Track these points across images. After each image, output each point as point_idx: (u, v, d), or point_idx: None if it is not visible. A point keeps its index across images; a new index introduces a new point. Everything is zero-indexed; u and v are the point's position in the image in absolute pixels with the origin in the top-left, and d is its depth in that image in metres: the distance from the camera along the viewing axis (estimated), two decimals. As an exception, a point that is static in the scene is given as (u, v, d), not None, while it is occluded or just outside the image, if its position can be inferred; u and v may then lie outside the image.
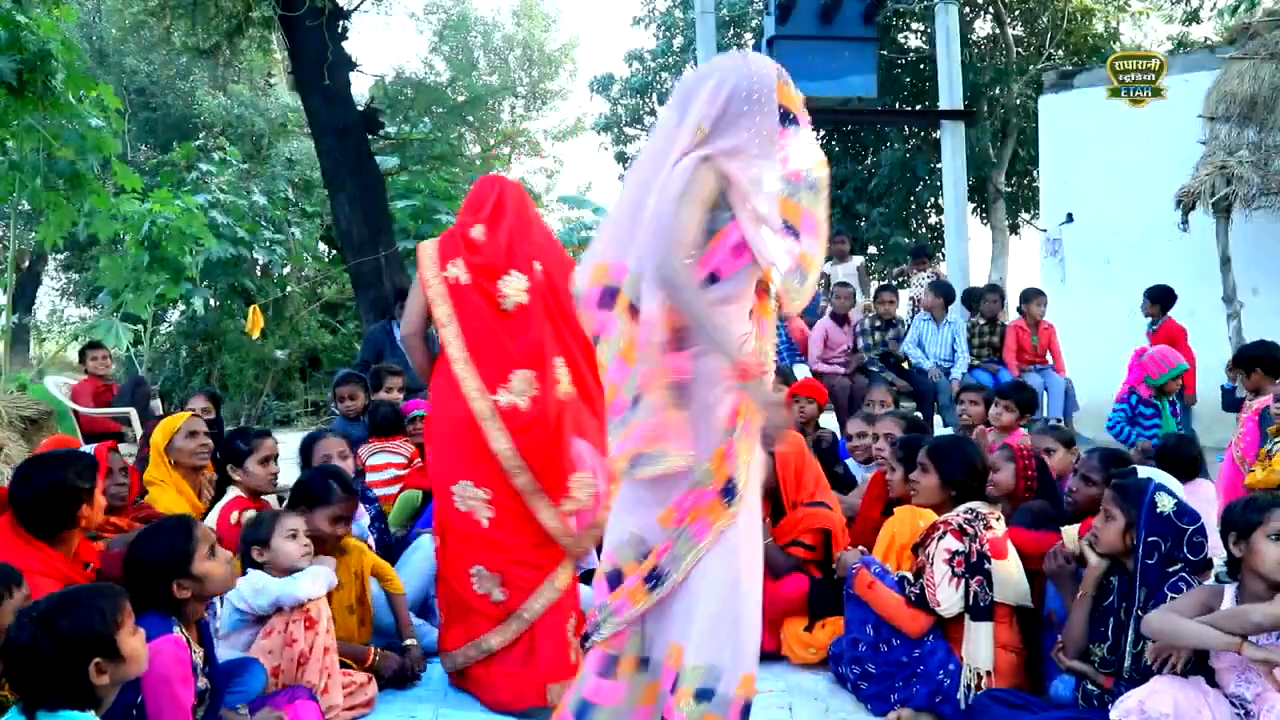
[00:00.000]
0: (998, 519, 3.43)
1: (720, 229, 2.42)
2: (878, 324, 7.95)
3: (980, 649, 3.22)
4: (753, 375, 2.37)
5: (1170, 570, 2.87)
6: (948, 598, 3.23)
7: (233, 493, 3.87)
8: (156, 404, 8.08)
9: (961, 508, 3.40)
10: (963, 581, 3.22)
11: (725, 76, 2.45)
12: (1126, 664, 2.89)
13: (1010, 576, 3.34)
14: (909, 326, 8.11)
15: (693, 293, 2.36)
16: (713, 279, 2.42)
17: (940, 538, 3.30)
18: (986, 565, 3.24)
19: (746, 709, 2.39)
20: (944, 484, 3.46)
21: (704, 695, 2.33)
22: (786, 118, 2.47)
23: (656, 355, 2.38)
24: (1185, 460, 4.53)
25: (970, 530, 3.27)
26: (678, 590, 2.40)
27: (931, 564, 3.27)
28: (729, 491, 2.39)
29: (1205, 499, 4.56)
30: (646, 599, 2.42)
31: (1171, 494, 3.00)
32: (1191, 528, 2.90)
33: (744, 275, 2.45)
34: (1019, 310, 8.02)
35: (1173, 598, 2.81)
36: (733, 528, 2.39)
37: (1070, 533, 3.49)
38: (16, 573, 2.55)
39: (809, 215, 2.49)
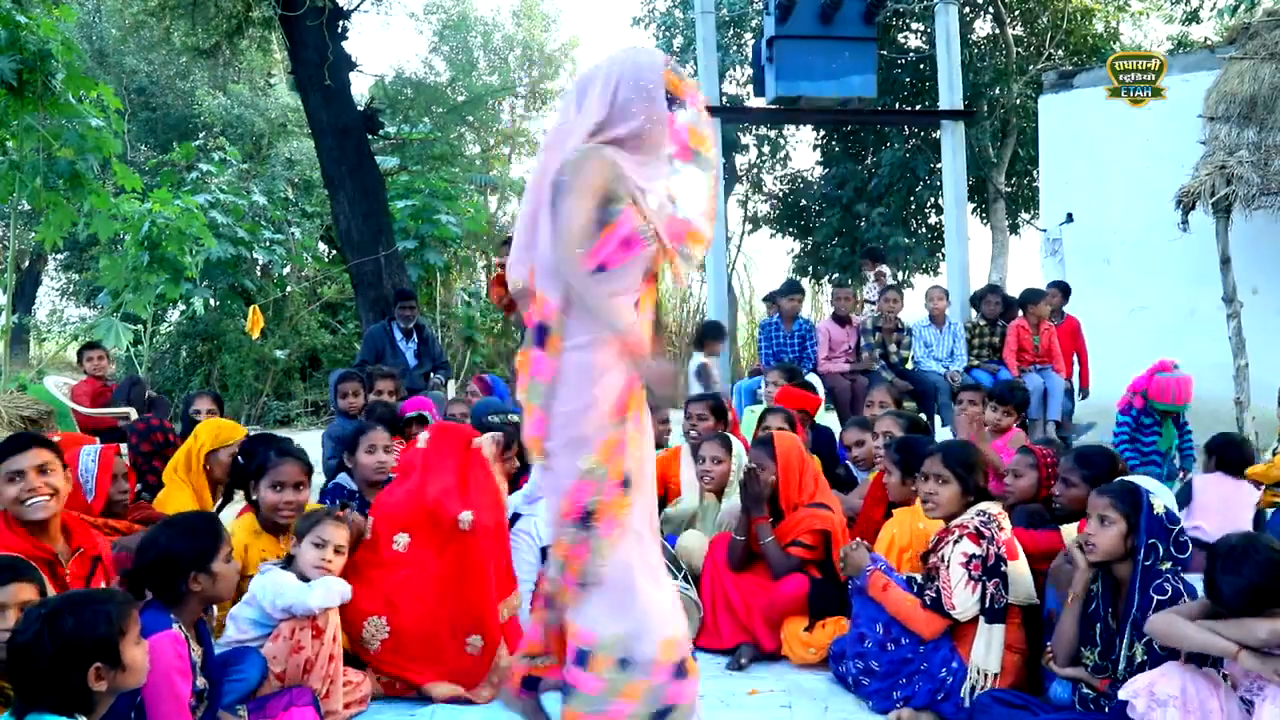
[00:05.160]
0: (1006, 519, 3.43)
1: (611, 222, 2.53)
2: (880, 324, 7.98)
3: (992, 651, 3.22)
4: (640, 354, 2.55)
5: (1161, 569, 2.90)
6: (963, 601, 3.23)
7: (242, 502, 3.87)
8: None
9: (973, 510, 3.38)
10: (979, 585, 3.21)
11: (615, 69, 2.60)
12: (1121, 666, 2.89)
13: (1022, 577, 3.35)
14: (907, 330, 8.12)
15: (585, 282, 2.52)
16: (600, 270, 2.53)
17: (956, 541, 3.28)
18: (1003, 568, 3.24)
19: (680, 669, 2.52)
20: (965, 493, 3.42)
21: (624, 664, 2.50)
22: (673, 102, 2.61)
23: (529, 353, 2.61)
24: (1241, 460, 4.80)
25: (987, 533, 3.26)
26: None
27: (947, 567, 3.26)
28: (627, 484, 2.56)
29: (1246, 503, 4.74)
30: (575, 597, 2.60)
31: (1156, 496, 3.04)
32: (1176, 528, 2.95)
33: (632, 267, 2.58)
34: (1023, 310, 8.00)
35: (1159, 599, 2.83)
36: (629, 514, 2.57)
37: (1070, 532, 3.50)
38: (26, 568, 2.55)
39: (697, 192, 2.64)
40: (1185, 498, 4.89)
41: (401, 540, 3.51)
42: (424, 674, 3.43)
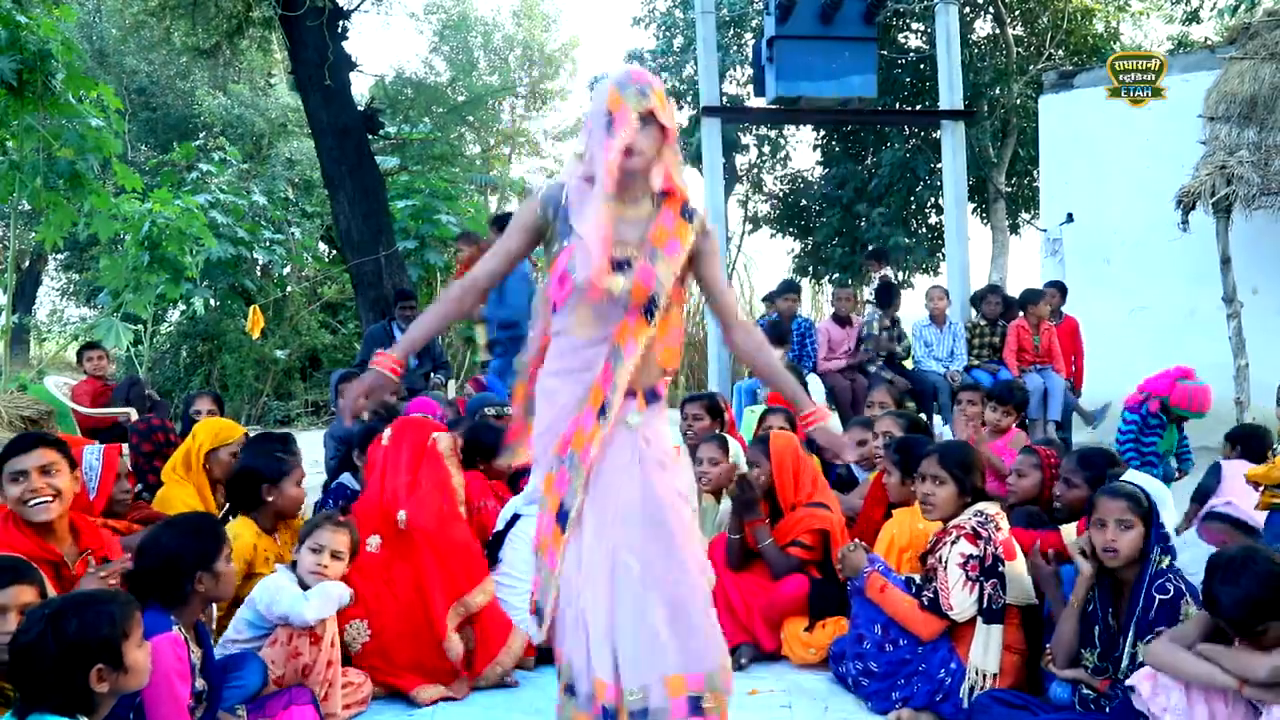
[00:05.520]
0: (1003, 519, 3.43)
1: (553, 260, 2.55)
2: (885, 324, 7.97)
3: (990, 652, 3.22)
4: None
5: (1163, 569, 2.92)
6: (961, 602, 3.23)
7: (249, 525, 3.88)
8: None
9: (970, 510, 3.38)
10: (977, 585, 3.21)
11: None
12: (1124, 664, 2.89)
13: (1020, 577, 3.34)
14: (894, 327, 8.11)
15: None
16: (555, 310, 2.57)
17: (954, 542, 3.28)
18: (1000, 568, 3.24)
19: (605, 714, 2.46)
20: (962, 493, 3.42)
21: (570, 690, 2.52)
22: (610, 124, 2.44)
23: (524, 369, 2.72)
24: (1263, 448, 4.95)
25: (984, 534, 3.26)
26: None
27: (944, 568, 3.26)
28: (562, 518, 2.52)
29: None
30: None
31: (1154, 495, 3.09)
32: (1165, 526, 3.00)
33: (574, 305, 2.52)
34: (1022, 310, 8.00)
35: (1160, 599, 2.84)
36: (568, 549, 2.52)
37: (1069, 531, 3.50)
38: (27, 570, 2.55)
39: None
40: (1215, 479, 4.93)
41: (374, 541, 3.53)
42: (408, 679, 3.44)
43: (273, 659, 3.03)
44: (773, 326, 7.80)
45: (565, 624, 2.53)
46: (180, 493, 4.08)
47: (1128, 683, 2.69)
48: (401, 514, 3.51)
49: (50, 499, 2.91)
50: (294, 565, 3.25)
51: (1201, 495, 4.89)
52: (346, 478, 4.53)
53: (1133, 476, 3.54)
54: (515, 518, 4.03)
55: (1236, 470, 4.91)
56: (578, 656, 2.49)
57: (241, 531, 3.54)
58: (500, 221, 7.83)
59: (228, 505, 4.05)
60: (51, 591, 2.65)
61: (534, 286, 7.34)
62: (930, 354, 7.94)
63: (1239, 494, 4.76)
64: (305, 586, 3.16)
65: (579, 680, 2.49)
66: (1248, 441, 5.06)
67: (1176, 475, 6.03)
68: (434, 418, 5.56)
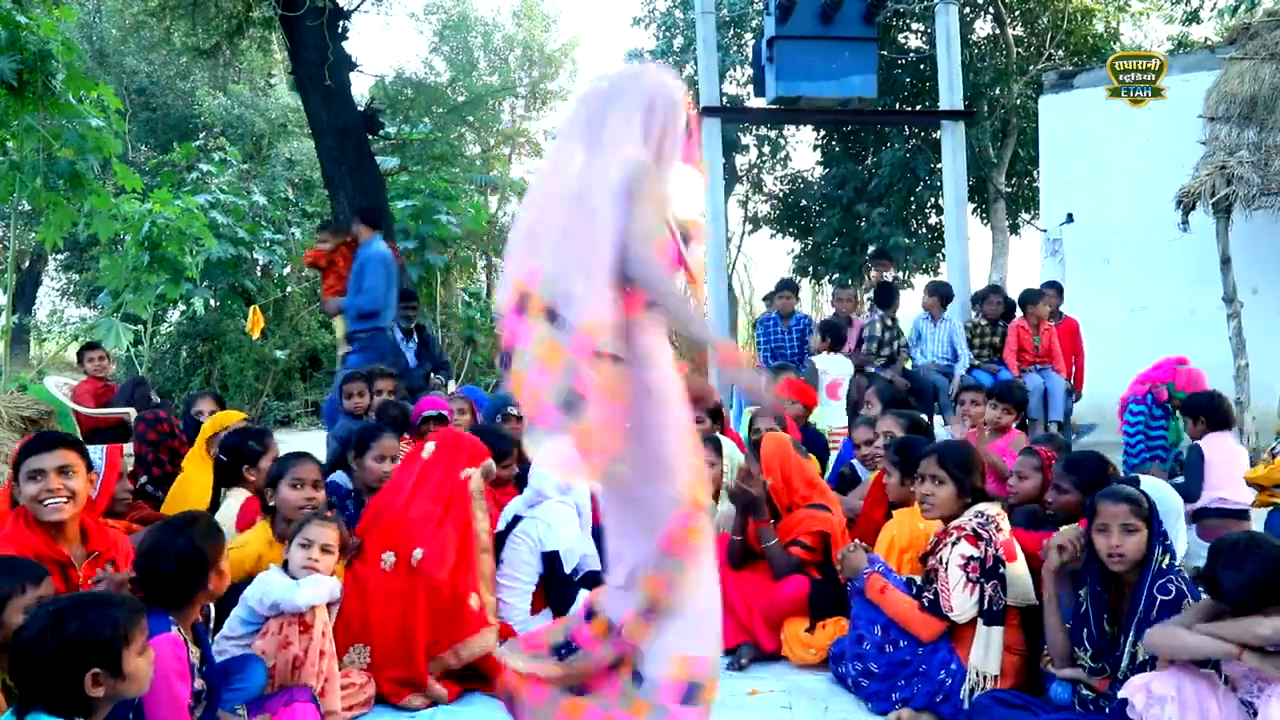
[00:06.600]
0: (1004, 520, 3.42)
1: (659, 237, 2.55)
2: (887, 324, 7.97)
3: (990, 654, 3.21)
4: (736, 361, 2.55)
5: (1162, 568, 2.92)
6: (961, 604, 3.22)
7: (242, 494, 3.93)
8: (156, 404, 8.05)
9: (971, 511, 3.38)
10: (977, 587, 3.21)
11: (646, 90, 2.60)
12: (1124, 663, 2.89)
13: (1020, 578, 3.33)
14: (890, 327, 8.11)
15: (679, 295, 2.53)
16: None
17: (954, 543, 3.27)
18: (1001, 570, 3.23)
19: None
20: (962, 494, 3.41)
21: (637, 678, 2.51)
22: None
23: (607, 365, 2.32)
24: (1224, 415, 5.05)
25: (985, 535, 3.25)
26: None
27: (945, 569, 3.25)
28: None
29: (1225, 450, 4.95)
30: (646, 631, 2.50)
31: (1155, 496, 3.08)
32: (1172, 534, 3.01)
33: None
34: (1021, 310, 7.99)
35: (1162, 599, 2.84)
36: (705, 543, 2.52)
37: (1070, 533, 3.49)
38: (37, 570, 2.55)
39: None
40: (1196, 463, 4.93)
41: (388, 559, 3.53)
42: (399, 689, 3.43)
43: (263, 650, 3.04)
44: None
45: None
46: (197, 475, 4.24)
47: (1120, 694, 2.69)
48: (418, 552, 3.50)
49: (65, 500, 2.91)
50: (285, 566, 3.24)
51: (1189, 490, 4.89)
52: (340, 476, 4.51)
53: (1148, 485, 3.50)
54: (516, 519, 4.03)
55: (1215, 447, 4.92)
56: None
57: (250, 540, 3.54)
58: (365, 214, 7.78)
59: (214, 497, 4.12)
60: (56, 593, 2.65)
61: (394, 272, 7.25)
62: (920, 347, 7.92)
63: (1228, 477, 4.79)
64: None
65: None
66: (1210, 413, 5.07)
67: (1176, 470, 6.02)
68: (446, 415, 5.57)
